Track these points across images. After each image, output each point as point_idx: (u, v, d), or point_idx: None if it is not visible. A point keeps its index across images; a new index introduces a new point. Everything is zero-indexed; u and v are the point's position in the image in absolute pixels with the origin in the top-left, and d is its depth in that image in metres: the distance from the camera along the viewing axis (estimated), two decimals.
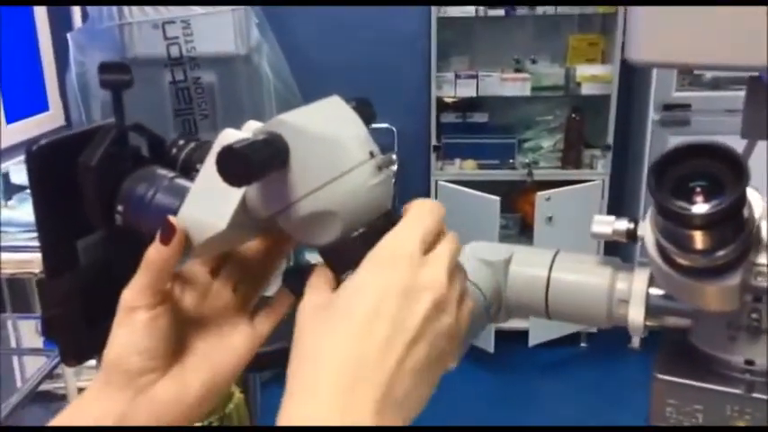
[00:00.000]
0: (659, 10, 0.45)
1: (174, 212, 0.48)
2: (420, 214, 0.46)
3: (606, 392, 3.20)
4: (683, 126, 3.10)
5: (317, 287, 0.45)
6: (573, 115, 3.29)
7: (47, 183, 0.48)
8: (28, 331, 2.05)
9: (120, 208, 0.50)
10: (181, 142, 0.55)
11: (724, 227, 0.40)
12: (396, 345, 0.41)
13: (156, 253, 0.46)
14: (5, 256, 1.98)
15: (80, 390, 2.06)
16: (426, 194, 3.30)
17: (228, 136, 0.48)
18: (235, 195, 0.47)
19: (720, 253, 0.41)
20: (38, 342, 1.96)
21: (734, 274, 0.43)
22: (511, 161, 3.33)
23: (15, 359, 2.01)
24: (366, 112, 0.51)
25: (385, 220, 0.47)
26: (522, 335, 3.21)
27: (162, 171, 0.51)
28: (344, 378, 0.40)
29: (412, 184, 3.34)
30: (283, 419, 0.40)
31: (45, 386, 1.90)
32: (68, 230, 0.49)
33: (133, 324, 0.46)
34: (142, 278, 0.47)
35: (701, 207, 0.40)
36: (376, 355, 0.40)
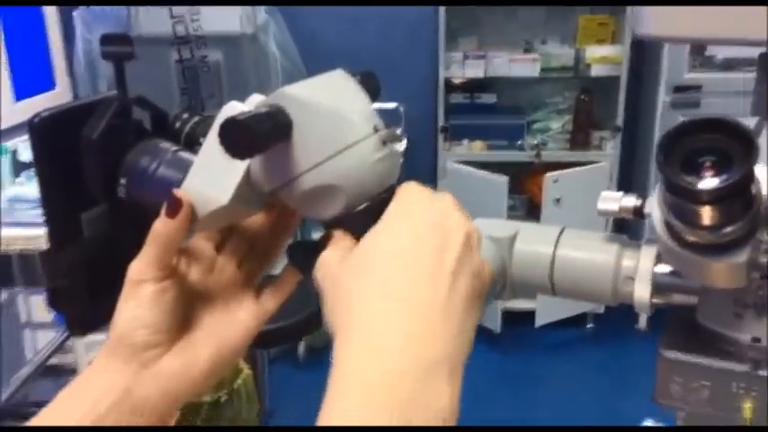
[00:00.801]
0: None
1: (178, 186, 0.48)
2: (409, 187, 0.46)
3: (613, 373, 3.21)
4: (693, 108, 3.07)
5: (335, 246, 0.45)
6: (582, 96, 3.27)
7: (50, 154, 0.48)
8: (38, 306, 2.06)
9: (123, 181, 0.50)
10: (184, 116, 0.55)
11: (732, 203, 0.40)
12: (443, 277, 0.40)
13: (162, 226, 0.46)
14: (15, 231, 1.99)
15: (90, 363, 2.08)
16: (434, 175, 3.29)
17: (232, 108, 0.47)
18: (238, 169, 0.46)
19: (728, 229, 0.41)
20: (48, 316, 1.97)
21: (741, 251, 0.42)
22: (519, 142, 3.31)
23: (26, 333, 2.03)
24: (371, 85, 0.50)
25: (389, 195, 0.47)
26: (529, 315, 3.21)
27: (165, 144, 0.51)
28: (403, 322, 0.39)
29: (419, 164, 3.33)
30: (350, 361, 0.38)
31: (55, 360, 1.93)
32: (72, 203, 0.49)
33: (140, 297, 0.46)
34: (149, 251, 0.46)
35: (709, 182, 0.40)
36: (426, 293, 0.40)
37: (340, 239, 0.46)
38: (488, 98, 3.39)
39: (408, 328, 0.38)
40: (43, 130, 0.48)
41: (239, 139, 0.41)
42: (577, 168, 3.15)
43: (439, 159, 3.28)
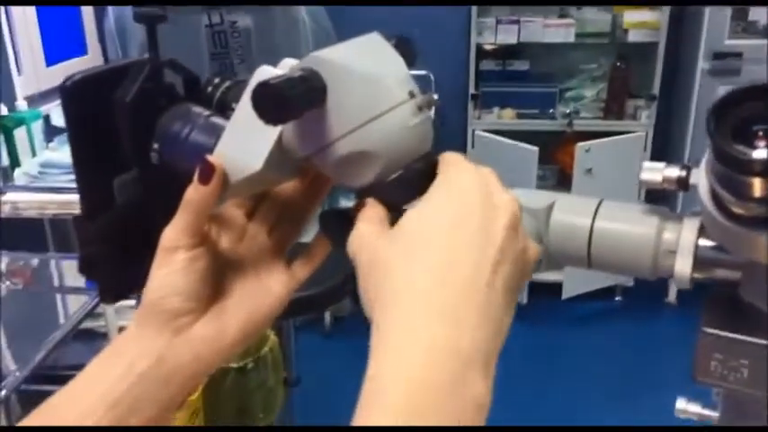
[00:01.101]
0: None
1: (210, 151, 0.47)
2: (454, 159, 0.45)
3: (640, 347, 3.19)
4: (733, 76, 2.98)
5: (372, 218, 0.44)
6: (618, 63, 3.19)
7: (82, 118, 0.48)
8: (70, 271, 2.10)
9: (155, 146, 0.49)
10: (216, 80, 0.54)
11: None
12: (485, 264, 0.40)
13: (195, 193, 0.46)
14: (48, 197, 2.02)
15: (121, 328, 2.13)
16: (463, 143, 3.26)
17: (264, 73, 0.46)
18: (271, 134, 0.46)
19: None
20: (80, 281, 2.01)
21: None
22: (551, 111, 3.26)
23: (58, 297, 2.07)
24: (406, 51, 0.49)
25: (424, 163, 0.46)
26: (556, 287, 3.19)
27: (197, 109, 0.50)
28: (443, 307, 0.38)
29: (449, 132, 3.30)
30: (382, 350, 0.38)
31: (87, 324, 1.96)
32: (104, 168, 0.49)
33: (173, 264, 0.46)
34: (182, 218, 0.46)
35: (761, 152, 0.38)
36: (467, 279, 0.39)
37: (372, 209, 0.45)
38: (520, 65, 3.33)
39: (447, 322, 0.38)
40: (75, 94, 0.47)
41: (272, 104, 0.41)
42: (611, 138, 3.10)
43: (468, 127, 3.24)
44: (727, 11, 2.96)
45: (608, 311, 3.37)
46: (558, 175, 3.44)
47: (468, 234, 0.40)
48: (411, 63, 0.49)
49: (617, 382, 2.90)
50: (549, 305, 3.25)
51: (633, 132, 3.14)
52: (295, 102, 0.41)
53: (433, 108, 0.48)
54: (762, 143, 0.38)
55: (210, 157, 0.46)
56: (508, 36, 3.15)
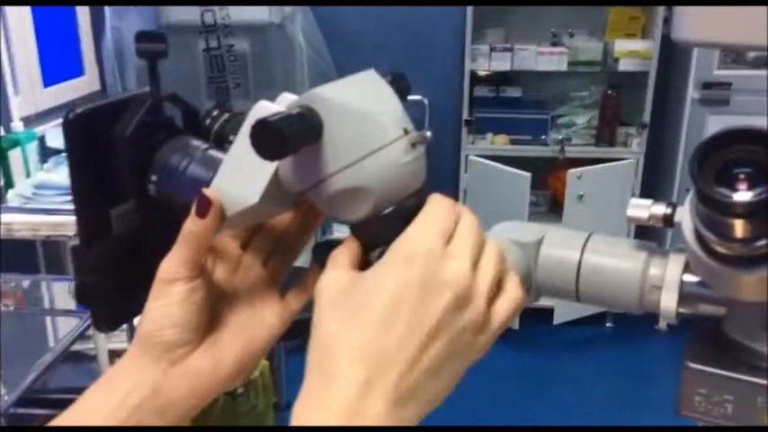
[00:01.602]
0: None
1: (207, 184, 0.48)
2: (436, 207, 0.45)
3: (631, 373, 3.19)
4: (722, 105, 3.02)
5: (340, 264, 0.45)
6: (609, 91, 3.23)
7: (83, 150, 0.49)
8: (61, 293, 2.09)
9: (153, 178, 0.50)
10: (215, 113, 0.55)
11: (766, 216, 0.39)
12: (412, 341, 0.41)
13: (193, 226, 0.46)
14: (41, 218, 2.02)
15: (110, 351, 2.11)
16: (457, 168, 3.28)
17: (262, 109, 0.48)
18: (268, 169, 0.47)
19: (761, 242, 0.40)
20: (70, 303, 2.00)
21: None
22: (543, 137, 3.29)
23: (48, 320, 2.06)
24: (401, 86, 0.50)
25: (417, 198, 0.47)
26: (548, 312, 3.20)
27: (195, 142, 0.51)
28: (361, 372, 0.40)
29: (443, 158, 3.33)
30: (300, 408, 0.41)
31: (77, 347, 1.95)
32: (103, 198, 0.50)
33: (170, 296, 0.46)
34: (180, 251, 0.47)
35: (743, 195, 0.39)
36: (392, 351, 0.41)
37: (341, 253, 0.46)
38: (513, 91, 3.37)
39: (360, 396, 0.40)
40: (77, 127, 0.48)
41: (270, 141, 0.42)
42: (602, 165, 3.12)
43: (462, 152, 3.27)
44: None
45: (599, 337, 3.38)
46: (550, 201, 3.46)
47: (401, 314, 0.41)
48: (405, 98, 0.50)
49: (607, 407, 2.90)
50: (541, 330, 3.25)
51: (624, 159, 3.17)
52: (292, 139, 0.42)
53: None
54: (743, 186, 0.39)
55: (207, 191, 0.47)
56: (502, 63, 3.19)
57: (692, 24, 0.46)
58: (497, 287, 0.45)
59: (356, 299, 0.43)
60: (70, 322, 1.86)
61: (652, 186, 3.36)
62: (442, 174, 3.31)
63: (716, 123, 3.07)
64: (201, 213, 0.46)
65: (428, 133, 0.48)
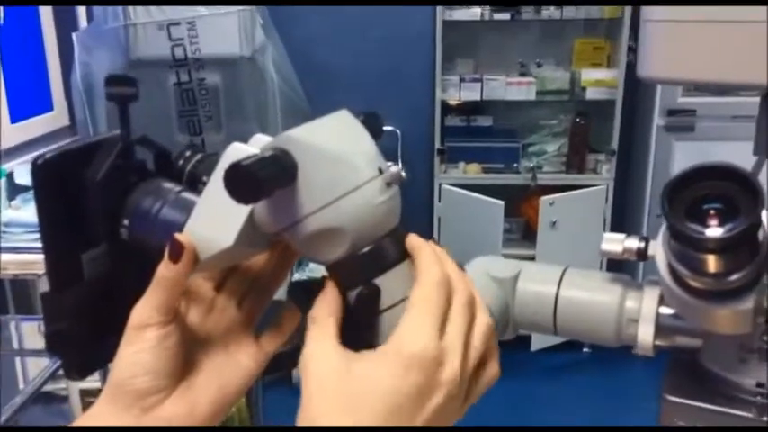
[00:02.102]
0: (674, 26, 0.44)
1: (181, 227, 0.47)
2: (429, 289, 0.45)
3: (609, 398, 3.19)
4: (688, 132, 3.09)
5: (324, 331, 0.45)
6: (578, 120, 3.29)
7: (52, 196, 0.48)
8: (30, 332, 2.04)
9: (125, 222, 0.49)
10: (187, 153, 0.55)
11: (738, 250, 0.40)
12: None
13: (166, 270, 0.46)
14: (8, 257, 1.98)
15: (81, 391, 2.06)
16: (430, 197, 3.29)
17: (236, 151, 0.47)
18: (242, 211, 0.46)
19: (734, 276, 0.41)
20: (40, 343, 1.95)
21: (747, 297, 0.42)
22: (515, 165, 3.32)
23: (17, 360, 2.01)
24: (374, 126, 0.50)
25: (393, 238, 0.47)
26: (525, 339, 3.20)
27: (168, 185, 0.50)
28: None
29: (416, 187, 3.34)
30: None
31: (47, 387, 1.90)
32: (73, 244, 0.49)
33: (142, 342, 0.45)
34: (153, 296, 0.46)
35: (715, 231, 0.40)
36: None
37: (324, 314, 0.45)
38: (484, 121, 3.41)
39: None
40: (46, 172, 0.47)
41: (244, 184, 0.41)
42: (573, 192, 3.16)
43: (435, 181, 3.29)
44: None
45: (576, 363, 3.39)
46: (523, 228, 3.49)
47: (395, 418, 0.42)
48: (378, 137, 0.50)
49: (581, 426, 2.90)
50: (519, 357, 3.25)
51: (595, 186, 3.22)
52: (266, 183, 0.42)
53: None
54: (714, 221, 0.40)
55: (179, 236, 0.46)
56: (471, 93, 3.24)
57: (656, 62, 0.47)
58: (484, 357, 0.46)
59: (349, 391, 0.42)
60: (40, 362, 1.82)
61: (623, 212, 3.41)
62: (415, 203, 3.32)
63: (682, 149, 3.13)
64: (174, 258, 0.46)
65: (403, 173, 0.48)
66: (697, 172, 0.41)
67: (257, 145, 0.48)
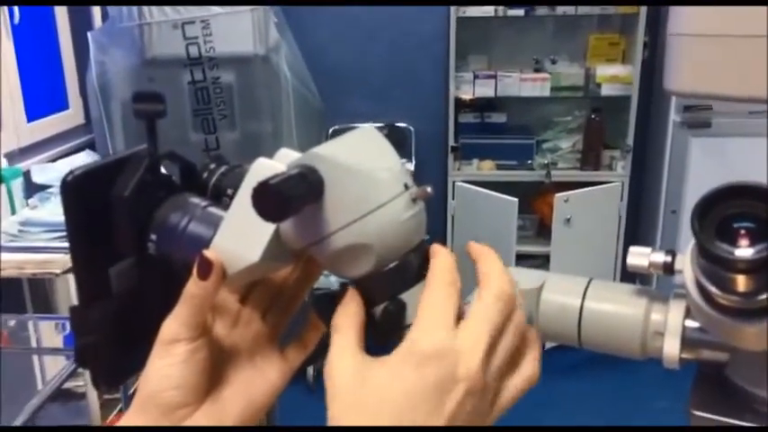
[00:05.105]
0: (702, 41, 0.44)
1: (208, 242, 0.48)
2: (439, 290, 0.44)
3: (625, 396, 3.18)
4: (704, 127, 3.06)
5: (347, 341, 0.44)
6: (592, 116, 3.27)
7: (81, 212, 0.48)
8: (48, 331, 2.06)
9: (153, 237, 0.50)
10: (212, 166, 0.55)
11: (767, 270, 0.40)
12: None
13: (195, 288, 0.46)
14: (26, 256, 1.99)
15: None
16: (444, 194, 3.29)
17: (262, 168, 0.47)
18: (269, 227, 0.46)
19: (763, 296, 0.41)
20: (58, 342, 1.98)
21: None
22: (529, 162, 3.31)
23: (35, 358, 2.03)
24: (399, 138, 0.50)
25: (419, 253, 0.47)
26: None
27: (194, 199, 0.51)
28: None
29: (429, 184, 3.33)
30: None
31: (65, 385, 1.92)
32: (102, 258, 0.49)
33: (172, 357, 0.46)
34: (182, 312, 0.46)
35: (745, 251, 0.39)
36: None
37: (347, 327, 0.45)
38: (498, 117, 3.40)
39: None
40: (75, 189, 0.48)
41: (271, 203, 0.42)
42: (588, 188, 3.15)
43: (449, 179, 3.29)
44: None
45: (592, 360, 3.37)
46: (537, 226, 3.48)
47: (413, 418, 0.41)
48: (402, 149, 0.50)
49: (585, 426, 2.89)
50: None
51: (610, 183, 3.20)
52: (294, 201, 0.42)
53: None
54: (744, 241, 0.39)
55: (208, 252, 0.47)
56: (485, 90, 3.23)
57: (683, 77, 0.46)
58: (516, 358, 0.45)
59: (365, 399, 0.42)
60: (58, 361, 1.84)
61: (638, 208, 3.39)
62: (429, 201, 3.31)
63: (698, 145, 3.11)
64: (203, 275, 0.46)
65: (429, 189, 0.48)
66: (729, 190, 0.40)
67: (283, 160, 0.48)
